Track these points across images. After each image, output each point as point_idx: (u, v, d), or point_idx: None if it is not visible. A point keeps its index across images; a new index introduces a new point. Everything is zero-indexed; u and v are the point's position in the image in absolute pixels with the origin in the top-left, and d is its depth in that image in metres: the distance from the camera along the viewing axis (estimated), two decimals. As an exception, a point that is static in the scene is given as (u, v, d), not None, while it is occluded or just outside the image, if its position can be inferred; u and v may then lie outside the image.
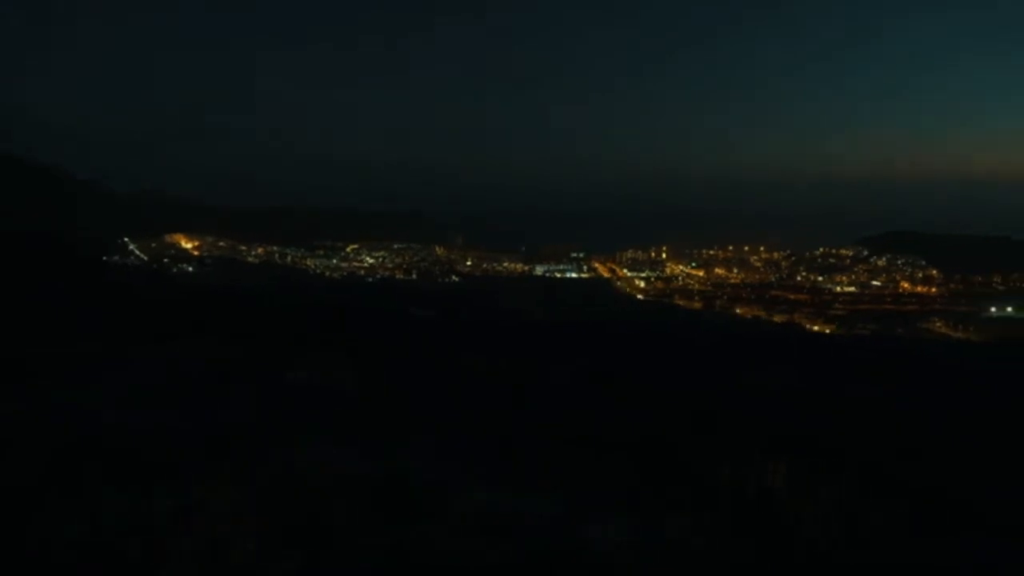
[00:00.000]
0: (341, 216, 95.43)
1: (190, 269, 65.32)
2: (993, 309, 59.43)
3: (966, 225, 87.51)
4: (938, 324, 54.80)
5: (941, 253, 71.65)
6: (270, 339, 10.79)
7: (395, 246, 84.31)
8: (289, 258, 79.36)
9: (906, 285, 69.31)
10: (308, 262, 78.53)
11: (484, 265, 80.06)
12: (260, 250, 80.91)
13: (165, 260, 68.18)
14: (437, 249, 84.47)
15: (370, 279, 72.38)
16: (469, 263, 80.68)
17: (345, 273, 74.39)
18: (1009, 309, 59.44)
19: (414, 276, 74.21)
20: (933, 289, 67.35)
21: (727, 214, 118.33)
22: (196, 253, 77.87)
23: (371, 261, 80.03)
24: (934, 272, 69.75)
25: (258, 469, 4.42)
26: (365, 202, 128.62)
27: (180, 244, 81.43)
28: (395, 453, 5.15)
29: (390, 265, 78.92)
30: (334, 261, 78.93)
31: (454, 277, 74.20)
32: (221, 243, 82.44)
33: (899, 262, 72.29)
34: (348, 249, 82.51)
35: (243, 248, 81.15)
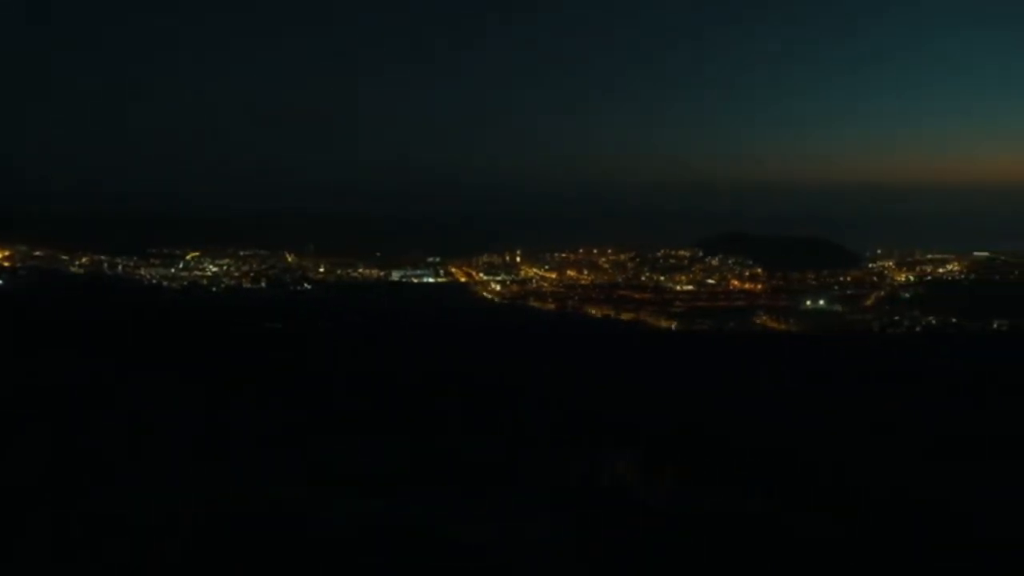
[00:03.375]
0: (180, 221, 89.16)
1: (0, 282, 58.32)
2: (808, 303, 66.14)
3: (811, 226, 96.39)
4: (764, 318, 60.16)
5: (766, 253, 78.70)
6: (92, 357, 9.96)
7: (241, 253, 79.80)
8: (120, 267, 72.91)
9: (736, 283, 75.45)
10: (142, 271, 72.59)
11: (338, 271, 77.76)
12: (85, 259, 73.69)
13: (-33, 273, 60.43)
14: (287, 256, 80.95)
15: (214, 288, 68.13)
16: (322, 270, 78.07)
17: (186, 283, 69.52)
18: (821, 302, 66.42)
19: (263, 284, 70.71)
20: (759, 286, 73.82)
21: (581, 215, 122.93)
22: (7, 264, 69.61)
23: (214, 270, 75.29)
24: (759, 270, 76.48)
25: (90, 504, 4.11)
26: (211, 206, 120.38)
27: (-14, 255, 72.47)
28: (245, 472, 4.96)
29: (236, 273, 74.63)
30: (172, 270, 73.49)
31: (306, 284, 71.57)
32: (38, 252, 74.18)
33: (730, 261, 78.52)
34: (188, 257, 77.08)
35: (65, 257, 73.53)
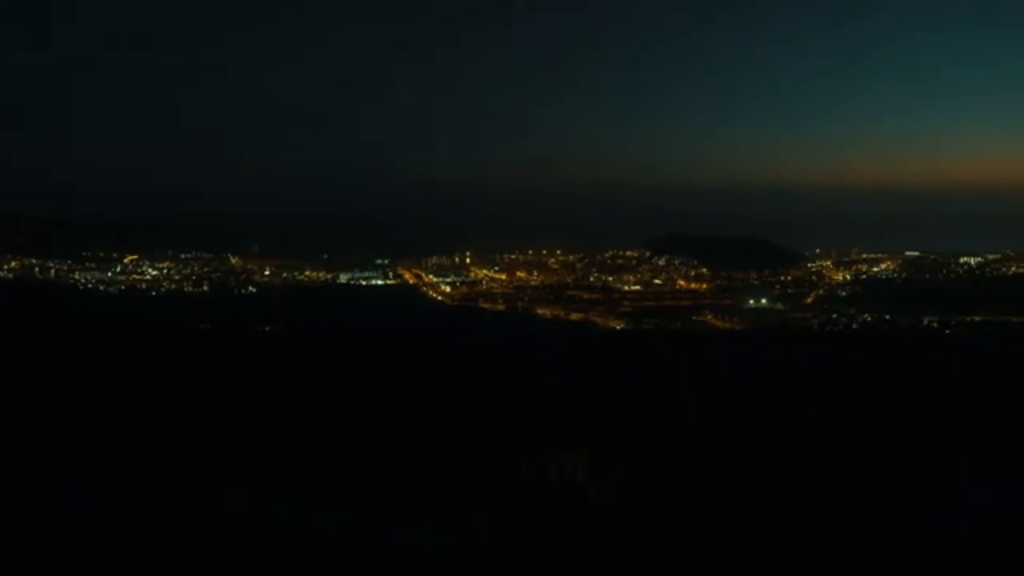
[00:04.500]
0: (117, 224, 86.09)
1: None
2: (751, 301, 67.97)
3: (762, 228, 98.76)
4: (709, 316, 61.54)
5: (710, 253, 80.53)
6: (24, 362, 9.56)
7: (182, 256, 77.57)
8: (53, 272, 70.04)
9: (682, 283, 76.98)
10: (77, 276, 69.92)
11: (284, 275, 76.26)
12: (14, 263, 70.60)
13: None
14: (231, 259, 78.94)
15: (153, 293, 66.21)
16: (268, 273, 76.46)
17: (123, 287, 67.30)
18: (764, 301, 68.37)
19: (205, 288, 68.96)
20: (704, 285, 75.49)
21: (529, 217, 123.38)
22: (-72, 268, 66.22)
23: (154, 273, 73.05)
24: (704, 270, 78.18)
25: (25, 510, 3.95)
26: (154, 208, 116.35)
27: (-96, 258, 68.70)
28: (191, 481, 4.84)
29: (177, 277, 72.58)
30: (109, 274, 70.98)
31: (251, 288, 70.07)
32: (-37, 256, 70.75)
33: (676, 262, 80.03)
34: (126, 260, 74.53)
35: (-8, 261, 70.36)
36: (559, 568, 3.92)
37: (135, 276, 71.87)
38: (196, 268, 75.53)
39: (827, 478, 5.54)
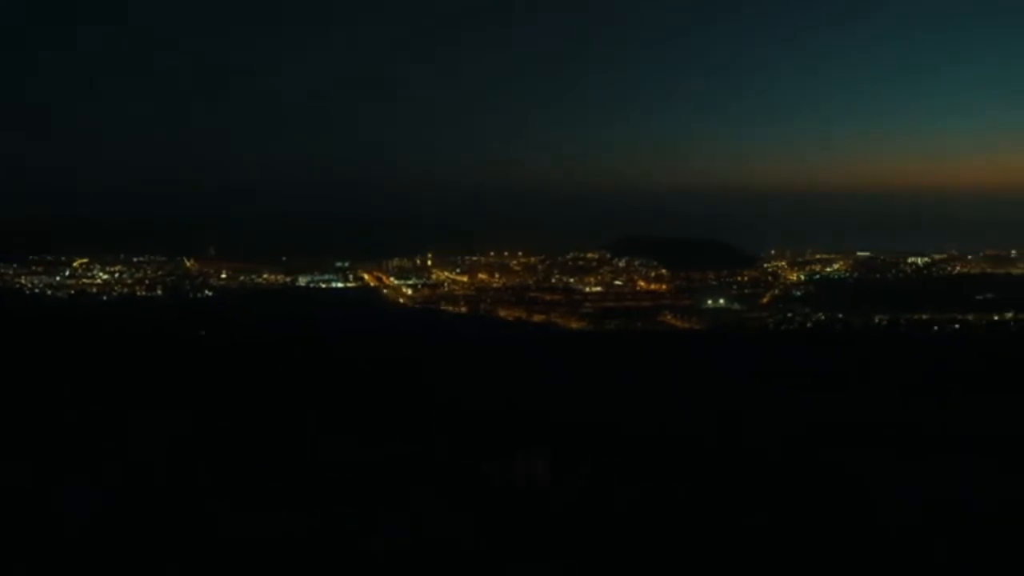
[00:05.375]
0: (67, 225, 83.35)
1: None
2: (709, 301, 69.06)
3: (712, 230, 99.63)
4: (668, 317, 62.35)
5: (669, 254, 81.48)
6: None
7: (135, 259, 75.53)
8: (-3, 276, 67.56)
9: (642, 284, 77.79)
10: (23, 280, 67.53)
11: (241, 277, 74.72)
12: (-46, 268, 67.88)
13: None
14: (186, 262, 77.11)
15: (104, 297, 64.39)
16: (224, 276, 74.84)
17: (73, 292, 65.27)
18: (721, 301, 69.52)
19: (159, 292, 67.33)
20: (663, 286, 76.39)
21: (493, 220, 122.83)
22: None
23: (105, 277, 70.96)
24: (664, 271, 79.10)
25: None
26: (106, 211, 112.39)
27: None
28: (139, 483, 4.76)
29: (129, 280, 70.62)
30: (57, 279, 68.72)
31: (207, 291, 68.60)
32: (-101, 261, 67.73)
33: (636, 263, 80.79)
34: (76, 264, 72.25)
35: (-72, 265, 67.48)
36: (519, 567, 3.95)
37: (85, 280, 69.78)
38: (149, 272, 73.63)
39: (794, 472, 5.68)
